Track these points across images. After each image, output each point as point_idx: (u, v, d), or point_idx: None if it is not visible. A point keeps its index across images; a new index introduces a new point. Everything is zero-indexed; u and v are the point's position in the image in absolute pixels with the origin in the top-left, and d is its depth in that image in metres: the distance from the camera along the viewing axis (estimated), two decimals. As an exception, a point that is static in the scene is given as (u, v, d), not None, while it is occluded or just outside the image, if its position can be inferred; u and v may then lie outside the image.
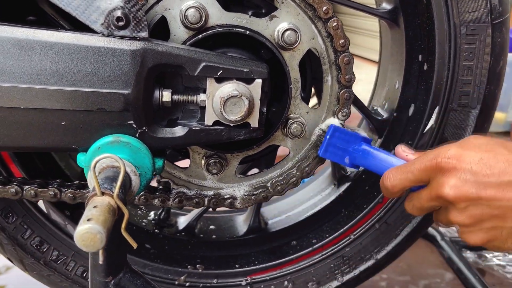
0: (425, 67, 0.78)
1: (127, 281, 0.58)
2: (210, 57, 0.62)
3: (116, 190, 0.51)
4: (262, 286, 0.87)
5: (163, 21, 0.67)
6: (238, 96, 0.62)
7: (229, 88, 0.63)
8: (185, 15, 0.64)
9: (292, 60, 0.70)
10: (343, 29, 0.69)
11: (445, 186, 0.57)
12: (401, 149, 0.68)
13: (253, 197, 0.77)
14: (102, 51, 0.58)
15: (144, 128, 0.62)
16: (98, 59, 0.58)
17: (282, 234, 0.94)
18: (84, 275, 0.81)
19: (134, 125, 0.61)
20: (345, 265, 0.86)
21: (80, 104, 0.58)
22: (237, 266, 0.89)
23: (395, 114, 0.87)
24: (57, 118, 0.59)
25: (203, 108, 0.65)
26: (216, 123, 0.65)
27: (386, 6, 0.84)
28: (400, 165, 0.65)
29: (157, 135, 0.64)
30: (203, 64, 0.61)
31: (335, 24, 0.68)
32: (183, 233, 0.96)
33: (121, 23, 0.58)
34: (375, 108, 0.94)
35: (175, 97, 0.63)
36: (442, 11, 0.71)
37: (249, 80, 0.64)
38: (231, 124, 0.65)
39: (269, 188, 0.77)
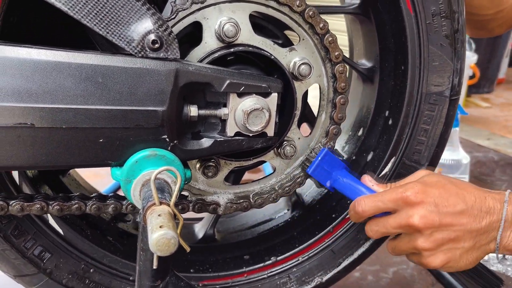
0: (390, 122, 0.90)
1: (173, 284, 0.63)
2: (233, 75, 0.68)
3: (173, 199, 0.56)
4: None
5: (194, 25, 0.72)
6: (260, 109, 0.69)
7: (251, 102, 0.69)
8: (222, 28, 0.70)
9: (299, 90, 0.78)
10: (346, 74, 0.79)
11: (414, 216, 0.70)
12: (368, 179, 0.81)
13: (235, 206, 0.82)
14: (139, 72, 0.62)
15: (175, 141, 0.67)
16: (135, 79, 0.62)
17: (236, 246, 0.99)
18: (41, 255, 0.79)
19: (167, 139, 0.66)
20: (290, 284, 0.92)
21: (119, 121, 0.62)
22: (191, 271, 0.91)
23: (353, 157, 0.97)
24: (96, 136, 0.62)
25: (223, 121, 0.71)
26: (237, 134, 0.72)
27: (366, 63, 0.95)
28: (371, 194, 0.77)
29: (186, 147, 0.69)
30: (228, 81, 0.68)
31: (341, 68, 0.78)
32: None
33: (156, 45, 0.63)
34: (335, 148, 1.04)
35: (201, 112, 0.69)
36: (415, 79, 0.83)
37: (266, 94, 0.71)
38: (251, 134, 0.72)
39: (251, 199, 0.83)
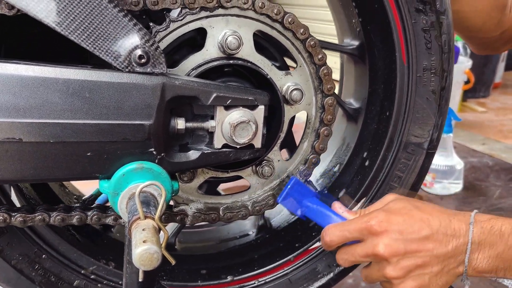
0: (367, 163, 0.91)
1: (159, 296, 0.63)
2: (220, 88, 0.69)
3: (158, 213, 0.57)
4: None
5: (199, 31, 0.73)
6: (247, 121, 0.70)
7: (237, 114, 0.70)
8: (226, 39, 0.71)
9: (287, 114, 0.79)
10: (335, 107, 0.81)
11: (379, 245, 0.71)
12: (337, 205, 0.82)
13: (203, 216, 0.82)
14: (126, 87, 0.63)
15: (162, 154, 0.68)
16: (122, 93, 0.63)
17: (194, 259, 0.98)
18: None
19: (154, 152, 0.67)
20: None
21: (106, 135, 0.63)
22: None
23: (325, 192, 0.96)
24: (84, 150, 0.63)
25: (211, 133, 0.72)
26: (225, 146, 0.72)
27: (353, 103, 0.97)
28: (338, 223, 0.78)
29: (174, 160, 0.70)
30: (215, 94, 0.68)
31: (331, 101, 0.80)
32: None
33: (142, 60, 0.64)
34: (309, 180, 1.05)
35: (188, 124, 0.70)
36: (398, 127, 0.86)
37: (253, 107, 0.72)
38: (238, 146, 0.73)
39: (220, 212, 0.83)
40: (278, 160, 0.83)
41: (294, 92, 0.77)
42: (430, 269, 0.71)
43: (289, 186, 0.81)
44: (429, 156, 0.88)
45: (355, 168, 0.94)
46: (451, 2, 0.85)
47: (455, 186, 1.85)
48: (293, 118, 0.83)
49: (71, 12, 0.61)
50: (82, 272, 0.83)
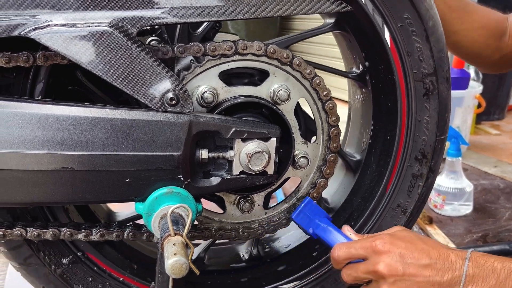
0: (353, 218, 1.05)
1: (185, 302, 0.74)
2: (238, 123, 0.81)
3: (185, 231, 0.68)
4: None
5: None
6: (261, 152, 0.81)
7: (253, 146, 0.82)
8: (279, 91, 0.87)
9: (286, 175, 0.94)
10: (336, 164, 0.97)
11: (380, 264, 0.77)
12: (347, 229, 0.91)
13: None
14: (159, 124, 0.75)
15: (189, 180, 0.79)
16: (156, 129, 0.75)
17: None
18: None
19: (182, 178, 0.78)
20: None
21: (142, 165, 0.75)
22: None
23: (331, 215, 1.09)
24: (124, 177, 0.75)
25: (230, 161, 0.84)
26: (242, 172, 0.84)
27: (355, 155, 1.11)
28: (347, 241, 0.87)
29: (198, 185, 0.81)
30: (234, 129, 0.80)
31: (332, 158, 0.96)
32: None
33: (173, 102, 0.76)
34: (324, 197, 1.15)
35: (211, 154, 0.81)
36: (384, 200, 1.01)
37: (266, 139, 0.83)
38: (253, 173, 0.84)
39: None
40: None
41: (301, 160, 0.91)
42: None
43: (303, 204, 0.91)
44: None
45: (362, 192, 1.06)
46: (449, 34, 0.95)
47: (465, 208, 1.91)
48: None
49: (115, 63, 0.74)
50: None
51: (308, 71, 0.88)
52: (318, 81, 0.89)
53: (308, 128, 0.97)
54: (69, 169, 0.73)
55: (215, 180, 0.83)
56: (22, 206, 0.84)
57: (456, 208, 1.90)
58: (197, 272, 0.69)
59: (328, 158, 0.95)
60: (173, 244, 0.65)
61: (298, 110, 0.94)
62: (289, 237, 1.12)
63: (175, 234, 0.67)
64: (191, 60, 0.86)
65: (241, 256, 1.14)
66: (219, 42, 0.83)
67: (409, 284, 0.76)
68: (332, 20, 0.97)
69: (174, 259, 0.62)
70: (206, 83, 0.84)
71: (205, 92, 0.83)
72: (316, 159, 0.96)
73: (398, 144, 0.98)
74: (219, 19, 0.80)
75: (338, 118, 0.93)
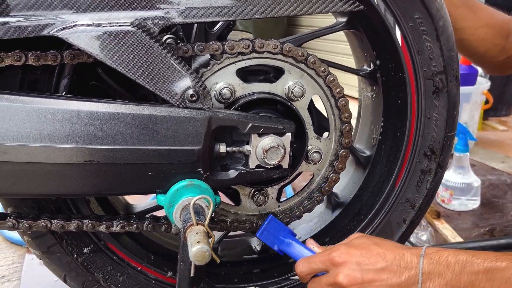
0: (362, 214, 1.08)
1: (205, 289, 0.78)
2: (255, 119, 0.84)
3: (207, 221, 0.71)
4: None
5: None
6: (276, 146, 0.85)
7: (269, 140, 0.85)
8: (294, 88, 0.90)
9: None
10: (347, 159, 1.00)
11: (339, 275, 0.79)
12: (310, 242, 0.94)
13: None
14: (180, 119, 0.79)
15: (208, 173, 0.82)
16: (177, 125, 0.79)
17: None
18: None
19: (201, 171, 0.82)
20: None
21: (164, 158, 0.79)
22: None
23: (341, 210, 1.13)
24: (147, 170, 0.79)
25: (247, 156, 0.87)
26: (258, 166, 0.87)
27: (366, 150, 1.13)
28: (307, 256, 0.89)
29: (216, 178, 0.85)
30: (250, 124, 0.83)
31: (344, 153, 0.99)
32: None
33: (194, 98, 0.79)
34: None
35: (228, 148, 0.85)
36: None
37: (282, 134, 0.86)
38: (269, 167, 0.87)
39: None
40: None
41: (314, 155, 0.94)
42: None
43: (266, 222, 0.94)
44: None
45: (371, 187, 1.09)
46: (455, 32, 0.98)
47: (473, 203, 1.94)
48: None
49: (138, 61, 0.77)
50: None
51: (322, 68, 0.91)
52: (331, 78, 0.92)
53: (320, 124, 1.00)
54: (95, 162, 0.76)
55: (232, 174, 0.86)
56: (50, 198, 0.88)
57: (464, 202, 1.93)
58: (218, 260, 0.73)
59: (340, 153, 0.98)
60: (196, 233, 0.68)
61: (311, 107, 0.97)
62: (300, 230, 1.15)
63: (197, 223, 0.71)
64: (210, 58, 0.89)
65: (253, 248, 1.17)
66: (237, 41, 0.86)
67: None
68: (344, 19, 1.00)
69: (198, 247, 0.65)
70: (224, 80, 0.88)
71: (223, 88, 0.86)
72: (329, 154, 0.99)
73: (408, 140, 1.01)
74: (236, 18, 0.83)
75: (350, 115, 0.96)
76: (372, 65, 1.04)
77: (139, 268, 1.00)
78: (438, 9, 0.92)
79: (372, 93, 1.11)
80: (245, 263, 1.13)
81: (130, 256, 1.00)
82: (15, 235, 1.59)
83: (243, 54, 0.87)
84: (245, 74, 0.92)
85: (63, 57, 0.79)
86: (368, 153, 1.12)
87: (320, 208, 1.17)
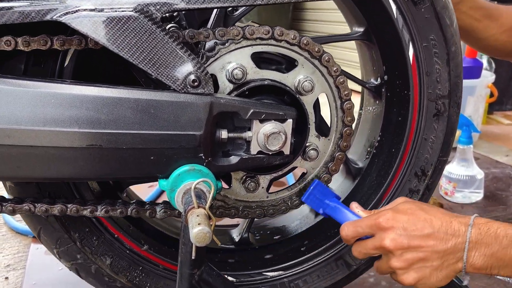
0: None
1: (206, 273, 0.79)
2: (256, 105, 0.85)
3: (208, 204, 0.72)
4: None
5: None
6: (278, 132, 0.85)
7: (270, 126, 0.85)
8: (303, 82, 0.90)
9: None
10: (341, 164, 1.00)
11: (386, 240, 0.81)
12: (355, 205, 0.94)
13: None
14: (182, 104, 0.79)
15: (209, 158, 0.83)
16: (179, 110, 0.79)
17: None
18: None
19: (203, 157, 0.82)
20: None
21: (166, 143, 0.79)
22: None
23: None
24: (149, 154, 0.80)
25: (248, 142, 0.87)
26: (259, 152, 0.88)
27: (358, 162, 1.14)
28: (353, 220, 0.90)
29: (218, 163, 0.85)
30: (252, 110, 0.84)
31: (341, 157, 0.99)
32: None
33: (195, 84, 0.80)
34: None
35: (230, 134, 0.85)
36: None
37: (283, 120, 0.87)
38: (270, 153, 0.88)
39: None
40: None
41: (312, 152, 0.94)
42: (431, 263, 0.80)
43: (311, 187, 0.95)
44: None
45: (368, 183, 1.11)
46: (479, 41, 0.97)
47: (476, 195, 1.93)
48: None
49: (141, 46, 0.78)
50: None
51: (334, 68, 0.91)
52: (342, 80, 0.92)
53: (320, 127, 0.99)
54: (97, 147, 0.77)
55: (234, 159, 0.87)
56: (53, 182, 0.89)
57: (467, 195, 1.93)
58: (218, 243, 0.74)
59: (336, 155, 0.98)
60: (197, 216, 0.69)
61: (316, 105, 0.96)
62: (280, 230, 1.17)
63: (199, 206, 0.72)
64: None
65: (232, 238, 1.17)
66: (257, 26, 0.87)
67: (416, 255, 0.80)
68: (361, 29, 1.01)
69: (198, 228, 0.66)
70: (238, 60, 0.88)
71: (236, 68, 0.87)
72: (325, 154, 0.98)
73: (402, 158, 1.02)
74: (238, 4, 0.83)
75: (353, 119, 0.96)
76: (379, 79, 1.05)
77: (116, 235, 0.99)
78: (453, 34, 0.93)
79: (374, 107, 1.11)
80: (221, 251, 1.12)
81: (109, 220, 0.99)
82: (20, 225, 1.61)
83: (261, 39, 0.87)
84: (259, 60, 0.92)
85: (72, 43, 0.79)
86: (360, 165, 1.14)
87: (304, 210, 1.18)
